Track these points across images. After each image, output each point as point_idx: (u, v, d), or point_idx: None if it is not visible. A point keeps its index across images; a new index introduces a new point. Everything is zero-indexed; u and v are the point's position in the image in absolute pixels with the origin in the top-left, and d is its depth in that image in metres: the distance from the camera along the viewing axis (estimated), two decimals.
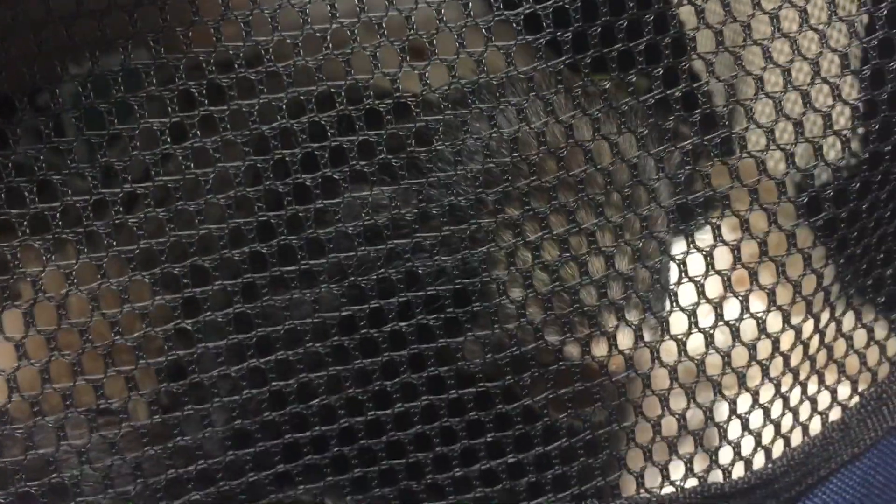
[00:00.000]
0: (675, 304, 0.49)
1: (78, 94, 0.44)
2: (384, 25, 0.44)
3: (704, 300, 0.48)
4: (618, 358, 0.48)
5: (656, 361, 0.49)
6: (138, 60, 0.44)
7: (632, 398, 0.49)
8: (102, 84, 0.44)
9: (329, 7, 0.44)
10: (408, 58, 0.45)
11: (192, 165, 0.44)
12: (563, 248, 0.47)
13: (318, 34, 0.44)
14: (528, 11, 0.45)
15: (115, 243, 0.44)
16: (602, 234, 0.47)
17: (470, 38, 0.45)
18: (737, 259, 0.48)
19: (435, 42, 0.45)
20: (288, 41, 0.44)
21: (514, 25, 0.45)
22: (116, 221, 0.44)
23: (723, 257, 0.49)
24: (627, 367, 0.48)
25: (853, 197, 0.50)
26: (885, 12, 0.49)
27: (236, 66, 0.44)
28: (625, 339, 0.48)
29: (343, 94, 0.44)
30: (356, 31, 0.44)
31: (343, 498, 0.48)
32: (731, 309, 0.49)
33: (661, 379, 0.49)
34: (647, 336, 0.48)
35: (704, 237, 0.48)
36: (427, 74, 0.44)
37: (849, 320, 0.53)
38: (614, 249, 0.48)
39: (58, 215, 0.43)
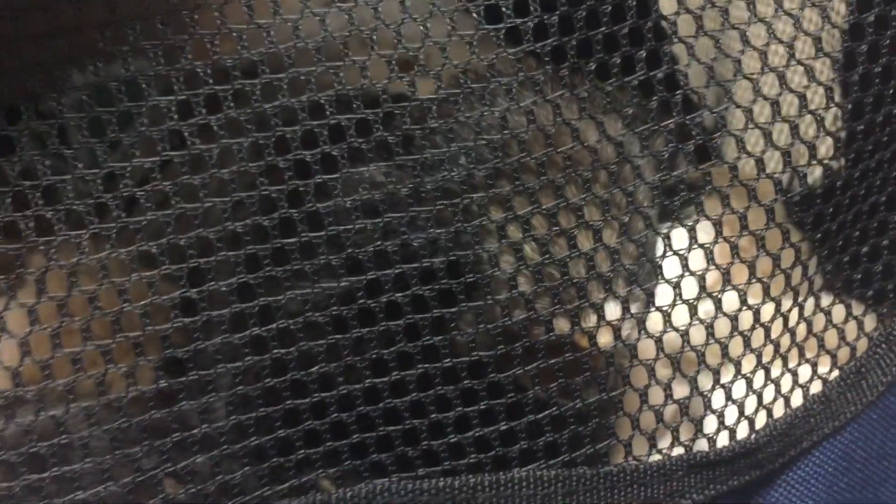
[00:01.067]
0: (660, 277, 0.51)
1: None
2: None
3: (688, 273, 0.51)
4: (606, 331, 0.50)
5: (643, 332, 0.51)
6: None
7: (619, 369, 0.51)
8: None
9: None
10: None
11: (198, 142, 0.46)
12: (552, 223, 0.49)
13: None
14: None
15: (123, 214, 0.46)
16: (589, 210, 0.50)
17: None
18: (718, 234, 0.51)
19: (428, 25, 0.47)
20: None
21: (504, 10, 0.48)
22: (125, 194, 0.46)
23: (705, 233, 0.51)
24: (616, 338, 0.50)
25: (827, 181, 0.53)
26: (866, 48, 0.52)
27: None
28: (613, 312, 0.50)
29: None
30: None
31: (341, 464, 0.49)
32: (714, 283, 0.52)
33: (647, 350, 0.51)
34: (633, 308, 0.50)
35: (688, 213, 0.51)
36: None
37: (827, 296, 0.55)
38: (601, 224, 0.50)
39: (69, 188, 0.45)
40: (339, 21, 0.47)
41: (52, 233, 0.45)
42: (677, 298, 0.51)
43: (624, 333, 0.51)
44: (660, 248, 0.51)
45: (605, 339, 0.51)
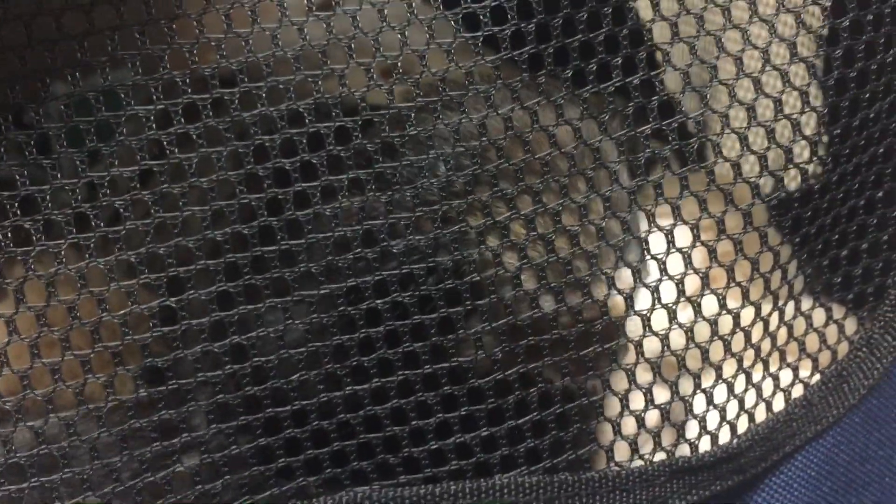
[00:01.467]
0: (639, 281, 0.51)
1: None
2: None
3: (667, 277, 0.51)
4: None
5: (622, 337, 0.51)
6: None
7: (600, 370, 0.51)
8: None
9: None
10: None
11: (177, 151, 0.46)
12: (530, 227, 0.50)
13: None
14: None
15: (102, 224, 0.46)
16: (568, 215, 0.50)
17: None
18: (696, 238, 0.51)
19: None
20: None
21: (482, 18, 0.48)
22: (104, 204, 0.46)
23: (684, 237, 0.51)
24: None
25: (805, 183, 0.53)
26: (847, 23, 0.52)
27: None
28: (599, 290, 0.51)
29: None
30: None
31: (322, 472, 0.49)
32: (693, 287, 0.52)
33: (627, 354, 0.51)
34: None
35: (666, 218, 0.51)
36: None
37: (807, 299, 0.56)
38: (579, 229, 0.50)
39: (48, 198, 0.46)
40: (318, 30, 0.48)
41: (31, 243, 0.46)
42: (656, 303, 0.51)
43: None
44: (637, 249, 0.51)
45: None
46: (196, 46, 0.46)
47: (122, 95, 0.46)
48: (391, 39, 0.48)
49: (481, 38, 0.49)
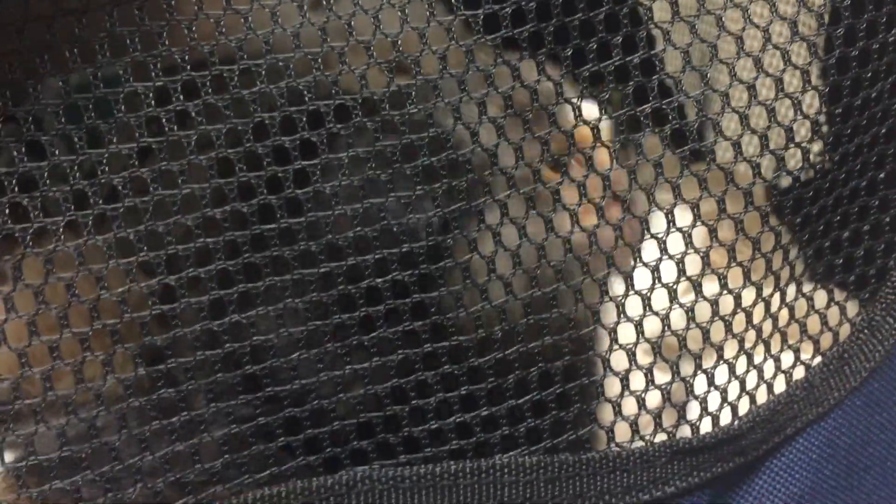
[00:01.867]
0: (638, 260, 0.51)
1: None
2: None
3: (667, 257, 0.51)
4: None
5: (622, 316, 0.51)
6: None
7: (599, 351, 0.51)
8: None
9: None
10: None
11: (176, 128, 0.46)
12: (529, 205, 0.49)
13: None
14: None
15: (99, 202, 0.46)
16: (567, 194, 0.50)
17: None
18: (696, 217, 0.51)
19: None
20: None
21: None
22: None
23: (683, 216, 0.51)
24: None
25: (805, 164, 0.53)
26: (843, 31, 0.52)
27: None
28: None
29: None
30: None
31: (321, 451, 0.49)
32: (693, 266, 0.52)
33: (627, 334, 0.51)
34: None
35: (665, 196, 0.51)
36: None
37: (809, 282, 0.55)
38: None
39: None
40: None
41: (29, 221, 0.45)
42: (656, 282, 0.51)
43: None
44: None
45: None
46: (194, 24, 0.46)
47: (121, 73, 0.46)
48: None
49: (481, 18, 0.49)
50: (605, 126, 0.51)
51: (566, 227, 0.50)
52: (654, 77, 0.50)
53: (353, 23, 0.47)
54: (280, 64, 0.47)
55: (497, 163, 0.49)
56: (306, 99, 0.47)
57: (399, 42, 0.48)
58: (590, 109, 0.50)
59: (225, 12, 0.46)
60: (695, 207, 0.50)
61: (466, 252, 0.49)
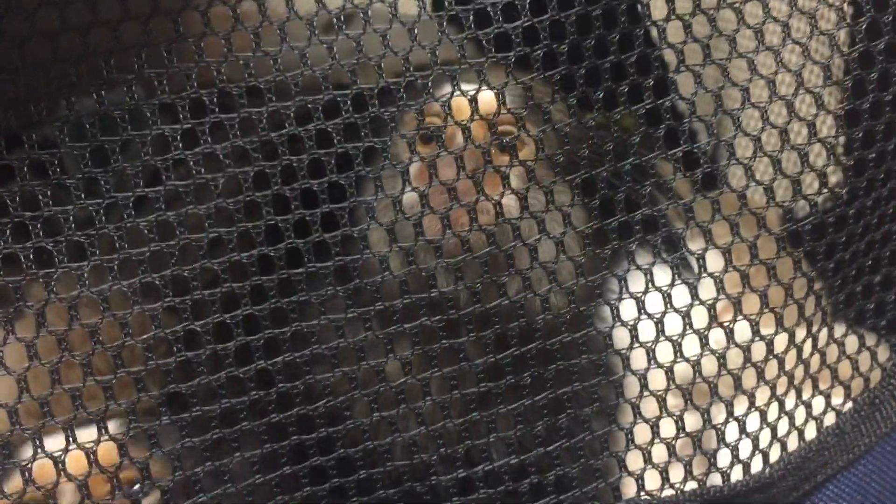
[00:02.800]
0: (670, 307, 0.50)
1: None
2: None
3: (698, 303, 0.50)
4: None
5: (652, 362, 0.50)
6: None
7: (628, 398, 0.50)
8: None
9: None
10: None
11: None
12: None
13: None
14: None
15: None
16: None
17: None
18: (728, 262, 0.50)
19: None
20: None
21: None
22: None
23: (715, 262, 0.50)
24: None
25: (838, 209, 0.52)
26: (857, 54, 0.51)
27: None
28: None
29: None
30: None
31: (349, 499, 0.48)
32: (725, 314, 0.51)
33: (657, 380, 0.50)
34: None
35: (699, 242, 0.50)
36: None
37: (839, 326, 0.55)
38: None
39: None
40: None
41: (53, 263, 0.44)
42: (687, 328, 0.50)
43: None
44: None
45: None
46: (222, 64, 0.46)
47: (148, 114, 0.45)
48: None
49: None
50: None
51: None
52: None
53: None
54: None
55: None
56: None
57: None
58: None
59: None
60: (726, 252, 0.50)
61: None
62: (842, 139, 0.54)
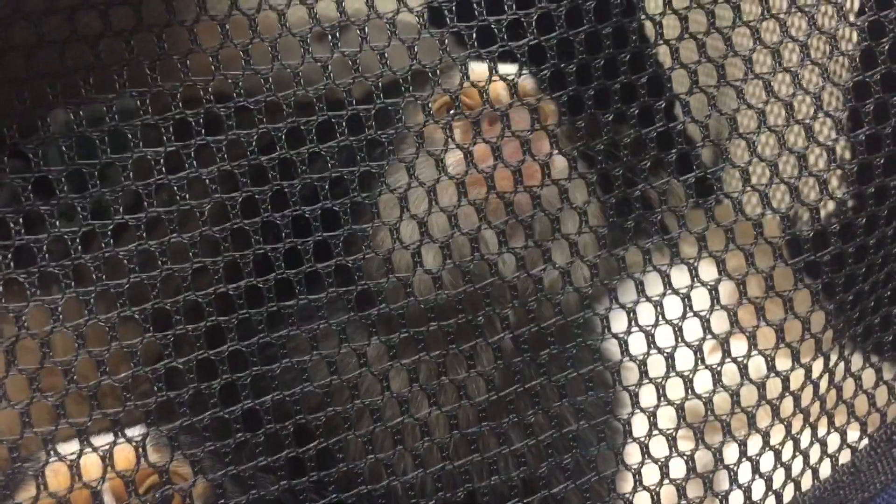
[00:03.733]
0: (681, 340, 0.48)
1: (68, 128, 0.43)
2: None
3: (711, 336, 0.47)
4: None
5: (662, 399, 0.47)
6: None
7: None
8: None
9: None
10: None
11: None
12: None
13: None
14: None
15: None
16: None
17: None
18: (742, 294, 0.47)
19: None
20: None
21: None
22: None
23: (727, 294, 0.48)
24: None
25: (859, 232, 0.49)
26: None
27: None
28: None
29: None
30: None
31: None
32: (738, 347, 0.48)
33: (668, 418, 0.48)
34: None
35: (712, 271, 0.47)
36: None
37: (857, 360, 0.52)
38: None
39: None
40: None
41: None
42: (699, 363, 0.48)
43: None
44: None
45: None
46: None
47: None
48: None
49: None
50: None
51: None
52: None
53: None
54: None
55: None
56: None
57: None
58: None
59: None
60: (740, 284, 0.47)
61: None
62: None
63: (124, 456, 0.42)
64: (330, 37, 0.43)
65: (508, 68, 0.47)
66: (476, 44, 0.44)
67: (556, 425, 0.47)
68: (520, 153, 0.45)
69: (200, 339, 0.42)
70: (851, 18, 0.49)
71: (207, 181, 0.42)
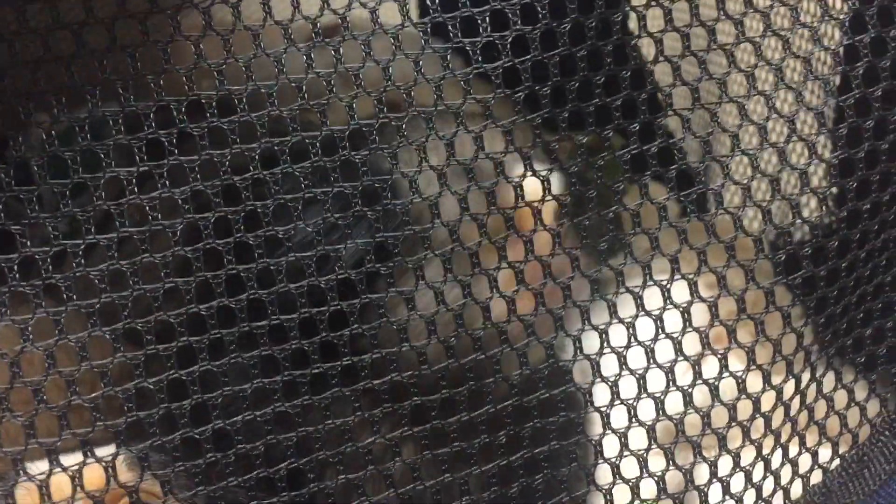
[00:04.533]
0: (652, 361, 0.48)
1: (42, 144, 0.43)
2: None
3: (682, 358, 0.48)
4: None
5: (633, 420, 0.48)
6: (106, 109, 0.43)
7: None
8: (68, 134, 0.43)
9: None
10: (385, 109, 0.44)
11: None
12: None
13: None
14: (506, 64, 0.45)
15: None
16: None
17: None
18: (714, 316, 0.48)
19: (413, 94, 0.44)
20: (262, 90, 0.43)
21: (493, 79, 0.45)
22: None
23: (700, 315, 0.48)
24: None
25: (832, 255, 0.50)
26: (861, 71, 0.49)
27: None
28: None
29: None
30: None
31: None
32: (710, 368, 0.49)
33: (639, 438, 0.48)
34: None
35: (681, 293, 0.48)
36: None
37: (829, 381, 0.52)
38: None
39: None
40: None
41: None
42: (671, 385, 0.48)
43: None
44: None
45: None
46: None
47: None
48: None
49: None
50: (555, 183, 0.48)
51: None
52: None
53: None
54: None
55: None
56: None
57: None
58: (534, 186, 0.47)
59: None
60: (712, 307, 0.47)
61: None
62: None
63: (96, 475, 0.42)
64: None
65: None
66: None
67: (527, 446, 0.47)
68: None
69: (171, 358, 0.43)
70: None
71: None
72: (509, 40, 0.45)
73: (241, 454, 0.44)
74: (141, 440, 0.43)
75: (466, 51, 0.45)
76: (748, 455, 0.50)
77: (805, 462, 0.52)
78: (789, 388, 0.50)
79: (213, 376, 0.43)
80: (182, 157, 0.43)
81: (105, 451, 0.43)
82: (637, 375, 0.48)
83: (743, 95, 0.47)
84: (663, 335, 0.47)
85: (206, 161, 0.43)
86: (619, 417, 0.48)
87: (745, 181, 0.48)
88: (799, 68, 0.49)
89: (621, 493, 0.48)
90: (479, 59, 0.45)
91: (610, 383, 0.47)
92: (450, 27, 0.45)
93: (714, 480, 0.49)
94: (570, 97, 0.46)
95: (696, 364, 0.48)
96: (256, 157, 0.43)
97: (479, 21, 0.45)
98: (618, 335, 0.48)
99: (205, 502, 0.44)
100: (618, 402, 0.47)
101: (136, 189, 0.42)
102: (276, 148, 0.43)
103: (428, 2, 0.47)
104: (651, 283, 0.48)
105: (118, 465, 0.42)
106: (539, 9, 0.45)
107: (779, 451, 0.51)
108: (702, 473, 0.49)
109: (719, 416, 0.49)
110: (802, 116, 0.48)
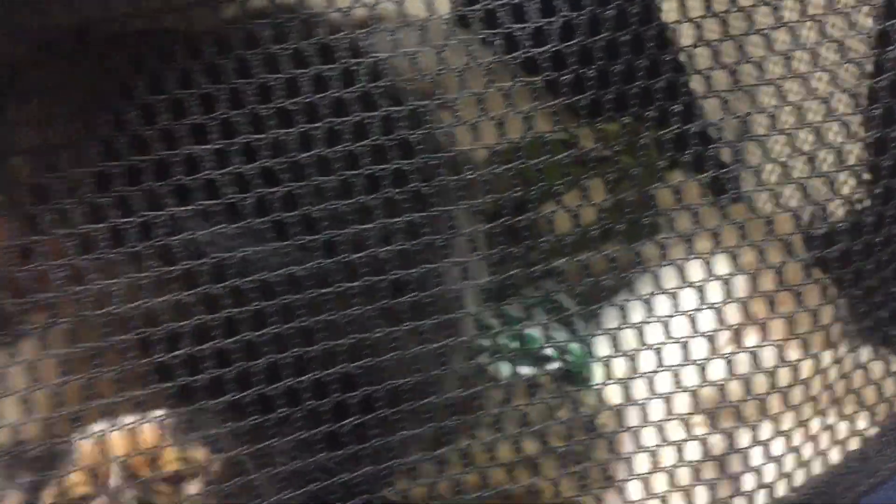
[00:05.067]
0: (696, 331, 0.50)
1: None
2: None
3: (724, 327, 0.50)
4: None
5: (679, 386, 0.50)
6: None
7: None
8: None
9: None
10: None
11: None
12: None
13: None
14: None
15: None
16: None
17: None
18: (754, 287, 0.50)
19: None
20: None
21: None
22: None
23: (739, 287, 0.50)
24: None
25: (867, 230, 0.52)
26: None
27: None
28: None
29: None
30: None
31: None
32: (750, 338, 0.51)
33: (683, 404, 0.50)
34: None
35: (720, 266, 0.50)
36: None
37: (866, 352, 0.55)
38: None
39: None
40: None
41: None
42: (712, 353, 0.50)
43: None
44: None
45: None
46: None
47: None
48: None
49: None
50: None
51: None
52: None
53: None
54: None
55: None
56: None
57: None
58: None
59: None
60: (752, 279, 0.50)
61: None
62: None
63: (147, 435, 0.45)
64: None
65: None
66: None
67: None
68: None
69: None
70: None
71: None
72: (557, 26, 0.47)
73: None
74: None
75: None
76: (788, 420, 0.52)
77: (843, 429, 0.54)
78: (827, 357, 0.52)
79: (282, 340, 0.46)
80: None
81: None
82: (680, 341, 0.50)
83: (780, 76, 0.49)
84: (705, 305, 0.50)
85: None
86: (663, 383, 0.51)
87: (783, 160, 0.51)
88: (833, 52, 0.51)
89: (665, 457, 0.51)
90: (526, 45, 0.48)
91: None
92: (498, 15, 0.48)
93: (755, 444, 0.51)
94: (614, 81, 0.48)
95: (737, 331, 0.50)
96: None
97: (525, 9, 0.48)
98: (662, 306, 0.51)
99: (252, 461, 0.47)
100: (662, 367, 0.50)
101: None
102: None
103: None
104: (693, 256, 0.51)
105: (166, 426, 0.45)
106: None
107: (817, 418, 0.53)
108: (743, 438, 0.52)
109: (760, 383, 0.51)
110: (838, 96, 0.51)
